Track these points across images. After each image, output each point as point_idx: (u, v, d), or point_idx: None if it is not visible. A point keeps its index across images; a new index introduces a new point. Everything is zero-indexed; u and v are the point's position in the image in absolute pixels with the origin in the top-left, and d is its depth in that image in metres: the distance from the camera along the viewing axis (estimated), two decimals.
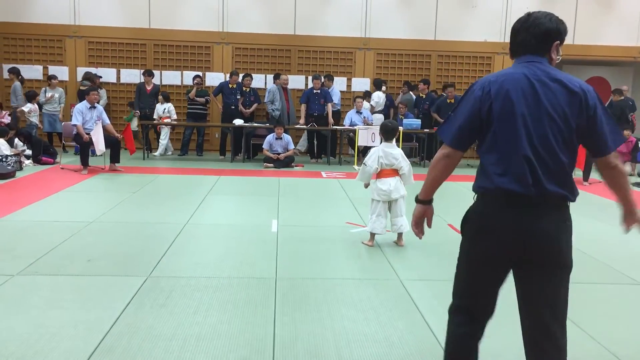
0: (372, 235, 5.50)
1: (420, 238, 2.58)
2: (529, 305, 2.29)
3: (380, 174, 5.47)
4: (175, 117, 12.29)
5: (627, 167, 11.53)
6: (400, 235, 5.54)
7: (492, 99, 2.22)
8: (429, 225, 2.51)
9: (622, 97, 12.47)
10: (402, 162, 5.47)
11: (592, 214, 7.26)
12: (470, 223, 2.32)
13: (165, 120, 12.01)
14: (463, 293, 2.37)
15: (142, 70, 12.90)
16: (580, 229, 6.29)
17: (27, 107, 11.28)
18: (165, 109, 12.16)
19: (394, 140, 5.56)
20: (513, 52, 2.38)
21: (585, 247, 5.52)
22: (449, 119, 2.36)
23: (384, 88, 12.67)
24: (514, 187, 2.16)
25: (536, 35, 2.27)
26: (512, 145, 2.18)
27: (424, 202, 2.46)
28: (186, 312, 3.73)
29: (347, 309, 3.87)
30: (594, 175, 10.26)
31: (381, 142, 5.61)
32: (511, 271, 2.32)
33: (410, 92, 12.92)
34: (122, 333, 3.37)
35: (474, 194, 2.35)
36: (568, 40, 13.43)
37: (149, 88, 12.18)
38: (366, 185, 5.62)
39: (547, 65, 2.27)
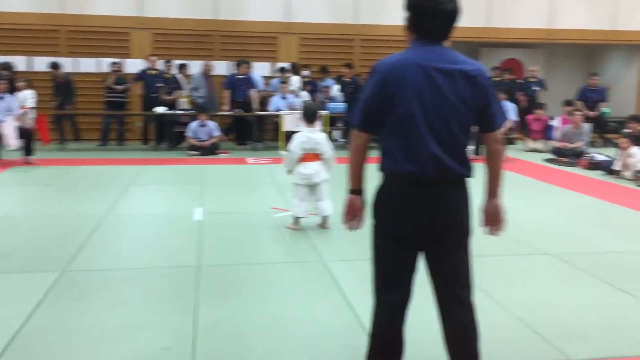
0: (296, 219, 5.54)
1: (355, 229, 2.50)
2: (438, 276, 2.40)
3: (302, 158, 5.49)
4: (31, 105, 10.42)
5: (540, 145, 12.13)
6: (324, 218, 5.60)
7: (394, 87, 2.24)
8: (359, 218, 2.47)
9: (512, 77, 13.08)
10: (325, 146, 5.51)
11: (506, 189, 7.56)
12: (381, 204, 2.37)
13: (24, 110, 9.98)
14: (384, 276, 2.41)
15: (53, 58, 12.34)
16: None
17: None
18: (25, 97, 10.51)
19: (317, 124, 5.59)
20: (415, 31, 2.33)
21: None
22: (357, 102, 2.40)
23: (306, 72, 12.67)
24: (418, 170, 2.24)
25: (445, 20, 2.26)
26: (414, 132, 2.24)
27: (352, 191, 2.46)
28: (104, 305, 3.63)
29: (271, 292, 3.89)
30: (510, 152, 10.74)
31: (304, 127, 5.63)
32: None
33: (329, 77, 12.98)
34: (34, 330, 3.25)
35: (379, 175, 2.40)
36: (483, 24, 13.95)
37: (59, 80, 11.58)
38: (290, 172, 5.63)
39: (445, 49, 2.31)
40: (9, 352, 2.99)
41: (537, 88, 13.81)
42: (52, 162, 9.49)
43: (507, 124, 10.63)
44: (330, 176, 5.61)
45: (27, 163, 9.27)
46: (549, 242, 5.19)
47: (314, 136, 5.48)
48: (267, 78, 13.02)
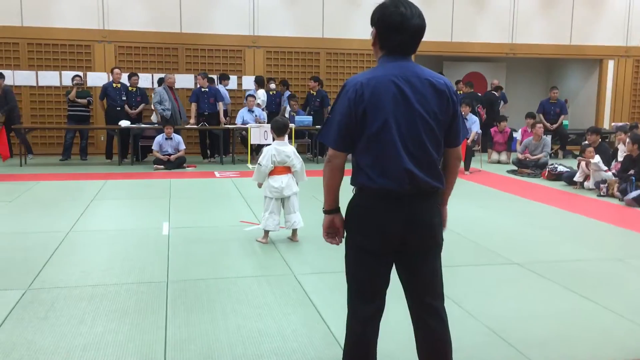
0: (266, 232, 5.51)
1: (338, 244, 2.51)
2: (411, 287, 2.43)
3: (272, 172, 5.47)
4: None
5: (503, 157, 12.39)
6: (294, 231, 5.59)
7: (365, 104, 2.25)
8: (341, 234, 2.47)
9: (471, 90, 13.37)
10: (295, 159, 5.51)
11: (472, 201, 7.73)
12: (354, 218, 2.39)
13: None
14: (358, 288, 2.41)
15: (14, 71, 12.09)
16: (460, 215, 6.72)
17: None
18: None
19: (286, 137, 5.59)
20: (383, 47, 2.35)
21: (464, 231, 5.86)
22: (327, 121, 2.38)
23: (272, 85, 12.69)
24: (392, 186, 2.26)
25: (412, 35, 2.29)
26: (387, 149, 2.25)
27: (329, 211, 2.45)
28: (70, 324, 3.54)
29: (241, 307, 3.85)
30: (474, 164, 10.93)
31: (273, 140, 5.62)
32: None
33: (288, 90, 13.02)
34: None
35: (352, 188, 2.41)
36: (446, 38, 14.22)
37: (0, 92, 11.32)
38: (260, 185, 5.61)
39: (414, 64, 2.35)
40: None
41: (498, 101, 14.14)
42: (12, 178, 9.25)
43: (472, 136, 10.83)
44: (299, 189, 5.61)
45: None
46: (514, 251, 5.29)
47: (284, 149, 5.48)
48: (233, 91, 12.98)
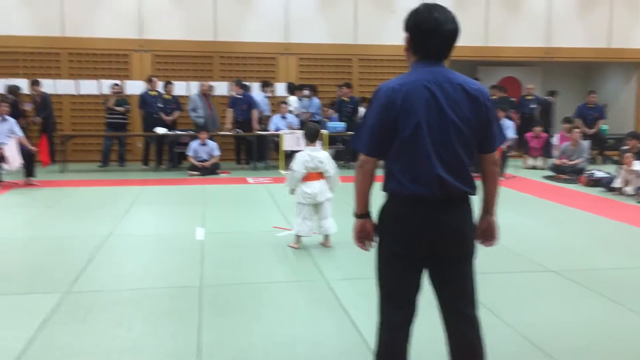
0: (298, 237, 5.54)
1: (368, 250, 2.52)
2: (443, 294, 2.41)
3: (305, 178, 5.50)
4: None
5: (539, 162, 12.18)
6: (326, 236, 5.61)
7: (397, 110, 2.25)
8: (372, 239, 2.47)
9: (504, 95, 13.16)
10: (328, 165, 5.53)
11: (506, 207, 7.60)
12: (385, 224, 2.39)
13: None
14: (389, 294, 2.41)
15: (55, 80, 12.48)
16: (498, 221, 6.58)
17: None
18: None
19: (319, 143, 5.62)
20: (415, 52, 2.35)
21: (500, 238, 5.77)
22: (359, 127, 2.40)
23: (306, 92, 12.75)
24: (422, 192, 2.26)
25: (445, 40, 2.29)
26: (418, 155, 2.25)
27: (360, 216, 2.46)
28: (107, 327, 3.62)
29: (273, 312, 3.88)
30: (509, 170, 10.78)
31: (306, 146, 5.66)
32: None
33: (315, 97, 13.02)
34: (37, 353, 3.24)
35: (383, 193, 2.41)
36: (481, 42, 14.08)
37: (37, 98, 11.64)
38: (292, 192, 5.64)
39: (447, 69, 2.34)
40: None
41: (534, 106, 13.91)
42: (53, 184, 9.52)
43: (507, 142, 10.69)
44: (333, 194, 5.62)
45: (29, 185, 9.29)
46: (551, 258, 5.19)
47: (316, 155, 5.51)
48: (270, 98, 13.05)
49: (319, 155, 5.52)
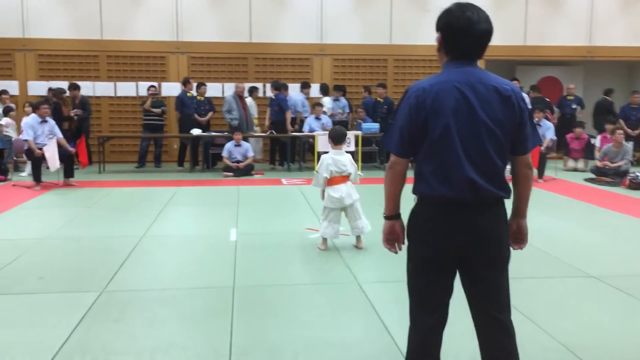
0: (325, 239, 5.51)
1: (396, 253, 2.48)
2: (476, 299, 2.35)
3: (330, 181, 5.46)
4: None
5: (580, 164, 11.87)
6: (358, 237, 5.56)
7: (427, 111, 2.21)
8: (401, 242, 2.44)
9: (539, 95, 12.85)
10: (350, 167, 5.50)
11: (545, 210, 7.43)
12: (415, 227, 2.34)
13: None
14: (419, 298, 2.36)
15: (94, 82, 12.76)
16: (534, 225, 6.41)
17: (4, 120, 10.94)
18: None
19: (344, 145, 5.58)
20: (448, 52, 2.30)
21: (538, 242, 5.63)
22: (390, 127, 2.37)
23: (336, 93, 12.72)
24: (453, 194, 2.21)
25: (479, 40, 2.24)
26: (449, 157, 2.20)
27: (389, 217, 2.42)
28: (141, 326, 3.66)
29: (305, 314, 3.86)
30: (548, 172, 10.53)
31: (332, 149, 5.61)
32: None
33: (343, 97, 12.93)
34: (73, 351, 3.29)
35: (413, 196, 2.36)
36: (519, 41, 13.81)
37: (77, 101, 11.90)
38: (323, 192, 5.62)
39: (479, 69, 2.28)
40: None
41: (575, 106, 13.57)
42: (91, 185, 9.71)
43: (546, 144, 10.44)
44: (358, 195, 5.56)
45: (68, 185, 9.50)
46: (591, 263, 5.03)
47: (339, 158, 5.47)
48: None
49: (343, 159, 5.48)
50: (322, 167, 5.48)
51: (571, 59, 14.60)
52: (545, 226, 6.52)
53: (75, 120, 11.68)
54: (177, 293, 4.29)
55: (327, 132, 11.16)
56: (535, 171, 9.84)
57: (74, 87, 11.86)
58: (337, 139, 5.52)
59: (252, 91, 12.69)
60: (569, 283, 4.59)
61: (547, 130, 10.71)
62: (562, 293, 4.36)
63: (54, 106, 9.48)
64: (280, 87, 12.21)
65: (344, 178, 5.46)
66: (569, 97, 13.64)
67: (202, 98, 12.14)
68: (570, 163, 12.00)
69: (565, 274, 4.82)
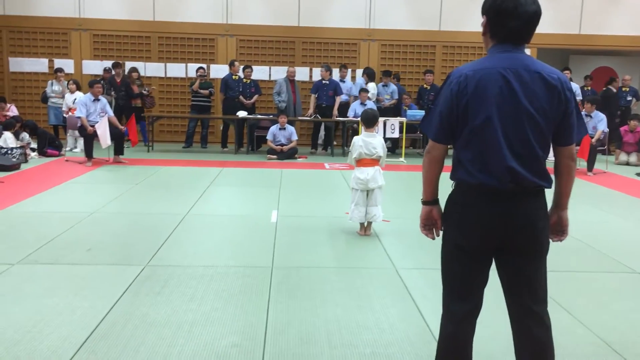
0: (362, 225, 5.53)
1: (433, 239, 2.49)
2: (511, 289, 2.32)
3: (359, 163, 5.47)
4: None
5: (633, 158, 11.47)
6: (369, 224, 5.55)
7: (468, 97, 2.18)
8: (438, 227, 2.42)
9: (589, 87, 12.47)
10: (381, 150, 5.49)
11: (594, 204, 7.24)
12: (452, 214, 2.33)
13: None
14: (453, 285, 2.35)
15: (145, 63, 13.06)
16: (582, 218, 6.32)
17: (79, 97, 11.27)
18: (75, 99, 10.99)
19: (375, 128, 5.56)
20: (493, 35, 2.25)
21: (583, 236, 5.51)
22: (429, 112, 2.35)
23: (385, 79, 12.61)
24: (493, 182, 2.18)
25: (526, 22, 2.17)
26: (489, 144, 2.17)
27: (427, 202, 2.41)
28: (181, 300, 3.78)
29: (341, 297, 3.90)
30: (598, 165, 10.22)
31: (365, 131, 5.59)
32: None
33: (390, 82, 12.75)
34: (116, 320, 3.43)
35: (451, 182, 2.35)
36: (574, 30, 13.37)
37: (118, 80, 12.20)
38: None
39: (525, 55, 2.23)
40: (91, 340, 3.17)
41: (630, 98, 13.10)
42: (140, 162, 9.99)
43: (597, 135, 10.13)
44: (384, 182, 5.55)
45: (118, 162, 9.80)
46: (638, 260, 4.89)
47: (370, 140, 5.46)
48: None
49: (374, 142, 5.46)
50: (353, 147, 5.50)
51: (627, 49, 14.06)
52: (593, 220, 6.36)
53: (148, 96, 12.13)
54: (217, 270, 4.39)
55: None
56: (585, 164, 9.67)
57: (116, 66, 12.21)
58: (368, 122, 5.51)
59: (373, 75, 12.65)
60: (612, 278, 4.48)
61: (599, 122, 10.37)
62: (604, 288, 4.26)
63: (92, 82, 9.73)
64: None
65: (374, 161, 5.45)
66: (624, 89, 13.16)
67: (249, 81, 12.25)
68: (623, 157, 11.61)
69: (609, 268, 4.71)
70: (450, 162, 2.32)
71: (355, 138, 5.56)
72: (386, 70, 12.80)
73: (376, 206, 5.49)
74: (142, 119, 12.28)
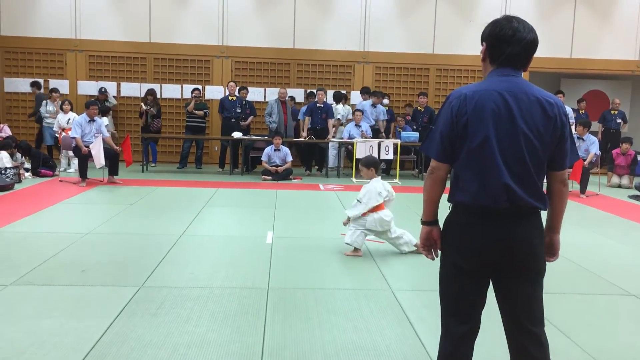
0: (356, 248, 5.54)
1: (433, 259, 2.50)
2: (509, 310, 2.34)
3: (379, 207, 5.46)
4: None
5: (625, 181, 11.57)
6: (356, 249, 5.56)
7: (467, 117, 2.22)
8: (438, 248, 2.44)
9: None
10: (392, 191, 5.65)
11: (585, 225, 7.28)
12: (449, 235, 2.35)
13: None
14: (451, 307, 2.37)
15: (140, 84, 13.11)
16: (575, 241, 6.35)
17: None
18: (69, 119, 11.08)
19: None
20: (493, 60, 2.32)
21: (578, 258, 5.53)
22: (429, 133, 2.39)
23: (386, 101, 12.70)
24: (490, 203, 2.21)
25: (524, 49, 2.26)
26: (487, 165, 2.21)
27: (427, 223, 2.43)
28: (177, 322, 3.75)
29: (337, 319, 3.89)
30: (591, 187, 10.29)
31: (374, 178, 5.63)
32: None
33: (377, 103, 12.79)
34: (111, 342, 3.40)
35: (448, 204, 2.38)
36: (565, 54, 13.56)
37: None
38: (346, 222, 5.62)
39: (523, 80, 2.28)
40: None
41: (620, 121, 13.27)
42: (134, 183, 9.97)
43: (590, 158, 10.21)
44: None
45: (112, 183, 9.78)
46: (633, 282, 4.91)
47: (384, 183, 5.60)
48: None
49: (386, 184, 5.60)
50: (371, 195, 5.43)
51: (619, 73, 14.26)
52: (586, 242, 6.39)
53: (151, 114, 12.18)
54: (213, 292, 4.38)
55: (367, 139, 11.22)
56: (577, 186, 9.74)
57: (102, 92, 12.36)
58: (377, 165, 5.68)
59: (341, 98, 12.74)
60: (607, 300, 4.50)
61: (592, 145, 10.47)
62: (599, 309, 4.28)
63: (87, 104, 9.79)
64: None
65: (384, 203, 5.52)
66: (612, 112, 13.33)
67: (244, 102, 12.30)
68: (615, 179, 11.71)
69: (603, 290, 4.72)
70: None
71: (370, 187, 5.48)
72: (374, 91, 12.81)
73: (405, 231, 5.59)
74: (153, 140, 12.35)
